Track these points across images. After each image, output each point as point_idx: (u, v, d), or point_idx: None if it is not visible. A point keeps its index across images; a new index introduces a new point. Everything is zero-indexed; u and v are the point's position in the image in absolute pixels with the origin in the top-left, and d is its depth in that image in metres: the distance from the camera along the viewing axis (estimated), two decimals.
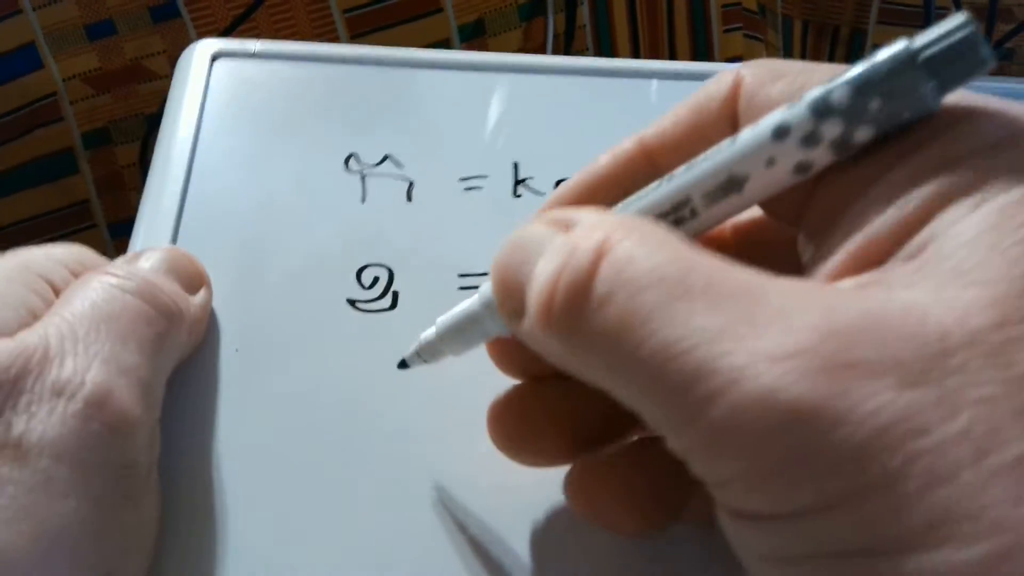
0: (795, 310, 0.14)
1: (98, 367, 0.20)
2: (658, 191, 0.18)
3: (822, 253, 0.16)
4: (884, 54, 0.16)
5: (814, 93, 0.16)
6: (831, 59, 0.61)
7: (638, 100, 0.31)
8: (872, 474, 0.13)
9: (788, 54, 0.62)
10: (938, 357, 0.13)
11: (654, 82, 0.32)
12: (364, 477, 0.23)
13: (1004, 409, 0.13)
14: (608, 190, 0.20)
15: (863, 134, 0.16)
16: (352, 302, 0.26)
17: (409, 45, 0.36)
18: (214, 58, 0.31)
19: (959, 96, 0.16)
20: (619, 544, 0.22)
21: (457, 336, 0.21)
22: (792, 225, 0.18)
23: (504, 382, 0.22)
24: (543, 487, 0.22)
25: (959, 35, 0.15)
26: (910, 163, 0.16)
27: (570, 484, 0.21)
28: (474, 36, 0.56)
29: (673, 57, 0.60)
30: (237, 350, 0.25)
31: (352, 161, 0.29)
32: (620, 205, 0.19)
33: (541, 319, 0.16)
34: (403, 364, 0.23)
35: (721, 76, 0.19)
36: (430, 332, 0.22)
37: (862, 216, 0.16)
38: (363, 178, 0.29)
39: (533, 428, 0.21)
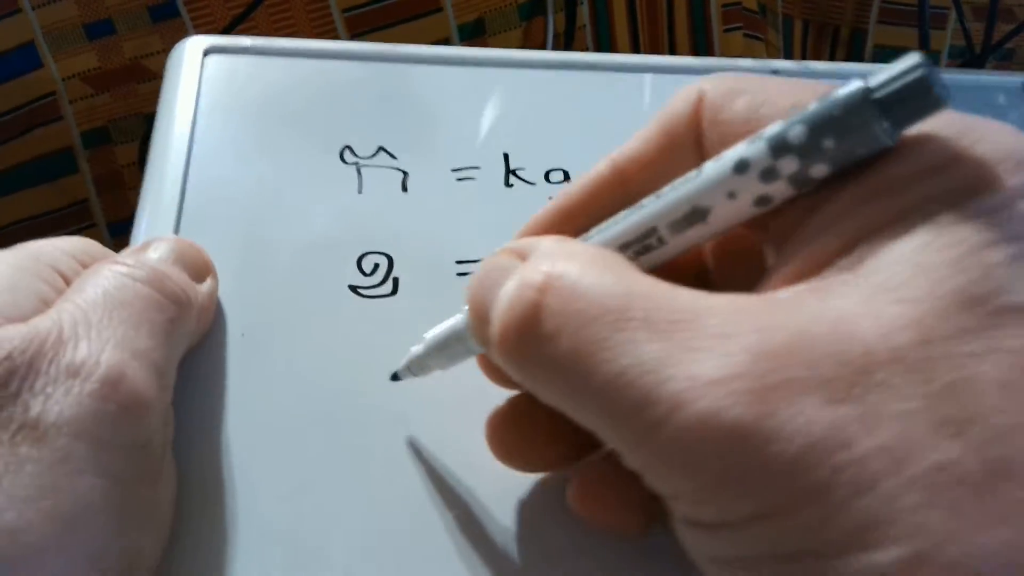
0: (731, 333, 0.15)
1: (111, 350, 0.20)
2: (627, 220, 0.19)
3: (778, 262, 0.18)
4: (840, 93, 0.16)
5: (773, 129, 0.17)
6: (831, 59, 0.61)
7: (629, 94, 0.32)
8: (803, 485, 0.14)
9: (788, 54, 0.62)
10: (862, 374, 0.15)
11: (647, 76, 0.32)
12: (368, 454, 0.23)
13: (922, 422, 0.14)
14: (583, 215, 0.21)
15: (819, 170, 0.17)
16: (354, 288, 0.26)
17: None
18: (206, 53, 0.31)
19: (942, 115, 0.16)
20: (620, 544, 0.22)
21: (443, 352, 0.22)
22: (762, 236, 0.19)
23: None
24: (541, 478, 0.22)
25: (912, 76, 0.16)
26: (856, 184, 0.17)
27: (572, 490, 0.21)
28: (474, 36, 0.56)
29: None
30: (243, 335, 0.25)
31: (347, 153, 0.29)
32: (592, 232, 0.20)
33: (499, 348, 0.18)
34: (395, 377, 0.24)
35: (684, 92, 0.20)
36: (419, 348, 0.23)
37: (809, 232, 0.17)
38: (359, 169, 0.29)
39: (530, 439, 0.22)
